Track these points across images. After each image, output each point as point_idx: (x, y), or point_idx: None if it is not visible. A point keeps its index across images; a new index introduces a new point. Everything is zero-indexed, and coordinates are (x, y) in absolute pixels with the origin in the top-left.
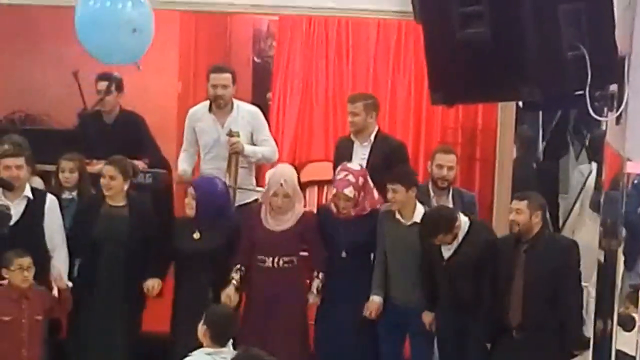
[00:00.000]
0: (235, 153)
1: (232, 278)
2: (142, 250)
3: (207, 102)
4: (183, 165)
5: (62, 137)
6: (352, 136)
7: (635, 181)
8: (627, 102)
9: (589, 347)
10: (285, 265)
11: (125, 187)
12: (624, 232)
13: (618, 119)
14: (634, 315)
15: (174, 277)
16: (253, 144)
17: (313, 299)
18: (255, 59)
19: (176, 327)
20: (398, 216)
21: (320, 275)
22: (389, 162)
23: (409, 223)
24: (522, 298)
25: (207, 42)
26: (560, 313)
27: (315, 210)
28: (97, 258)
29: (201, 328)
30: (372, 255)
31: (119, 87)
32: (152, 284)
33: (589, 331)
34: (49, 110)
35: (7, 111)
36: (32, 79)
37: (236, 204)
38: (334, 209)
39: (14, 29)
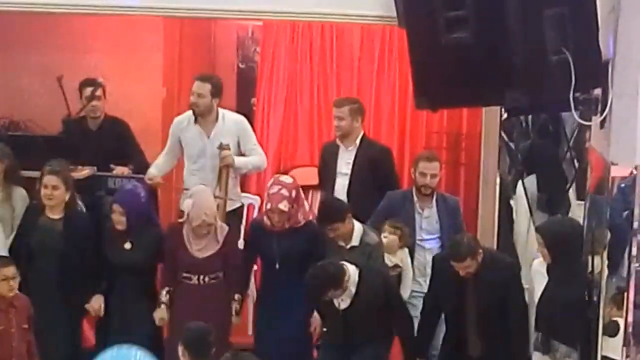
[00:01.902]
0: (226, 166)
1: (162, 302)
2: (76, 263)
3: (192, 112)
4: (152, 169)
5: (46, 143)
6: (337, 141)
7: (622, 185)
8: (611, 106)
9: None
10: (212, 281)
11: (66, 197)
12: (608, 235)
13: (602, 123)
14: (617, 319)
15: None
16: (241, 153)
17: (234, 320)
18: (240, 65)
19: (107, 336)
20: (337, 240)
21: (236, 296)
22: (374, 167)
23: (349, 246)
24: (477, 327)
25: (192, 48)
26: (507, 330)
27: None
28: (32, 270)
29: (180, 349)
30: (305, 265)
31: (103, 93)
32: (97, 305)
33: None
34: (34, 117)
35: None
36: (17, 86)
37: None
38: (268, 222)
39: None
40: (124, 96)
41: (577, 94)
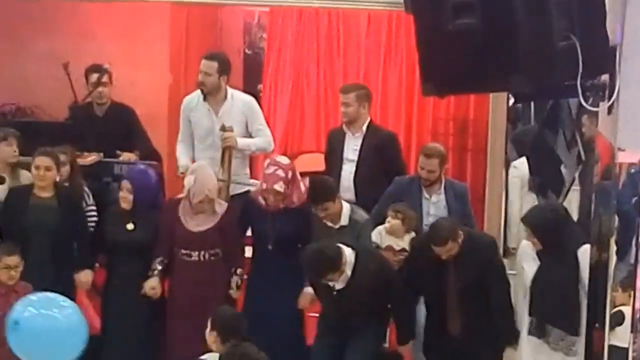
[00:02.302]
0: (228, 147)
1: (155, 269)
2: (71, 240)
3: (200, 91)
4: (183, 161)
5: (53, 129)
6: (344, 127)
7: (632, 170)
8: (618, 92)
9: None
10: (212, 258)
11: (57, 178)
12: (616, 222)
13: (610, 109)
14: (622, 308)
15: (106, 268)
16: (248, 133)
17: (234, 294)
18: (247, 51)
19: (107, 317)
20: (325, 220)
21: (239, 271)
22: (381, 153)
23: (337, 226)
24: (457, 307)
25: (198, 34)
26: (491, 310)
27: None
28: (26, 249)
29: (210, 335)
30: (298, 247)
31: (110, 79)
32: (84, 278)
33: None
34: (40, 103)
35: None
36: (23, 72)
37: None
38: (263, 202)
39: (3, 22)
40: (130, 82)
41: (584, 80)
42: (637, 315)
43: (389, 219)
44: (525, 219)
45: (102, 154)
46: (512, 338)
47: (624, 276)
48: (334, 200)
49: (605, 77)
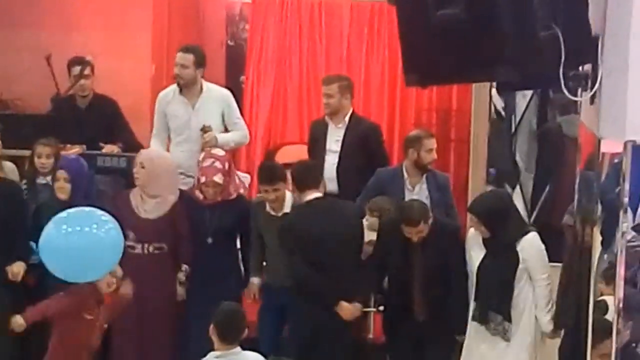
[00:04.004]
0: (210, 147)
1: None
2: (6, 233)
3: (176, 85)
4: None
5: (35, 122)
6: (326, 118)
7: (616, 160)
8: (601, 82)
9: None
10: (156, 251)
11: None
12: (599, 211)
13: (592, 98)
14: (605, 298)
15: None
16: (224, 126)
17: (179, 291)
18: (229, 42)
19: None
20: (269, 209)
21: (184, 267)
22: (363, 144)
23: (280, 214)
24: (422, 291)
25: (180, 25)
26: (448, 294)
27: None
28: None
29: (212, 328)
30: (237, 239)
31: (92, 71)
32: (16, 269)
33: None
34: (22, 96)
35: None
36: (5, 64)
37: None
38: (200, 196)
39: None
40: (112, 74)
41: (567, 70)
42: (620, 304)
43: (367, 216)
44: (471, 208)
45: (84, 146)
46: (464, 327)
47: (606, 267)
48: (285, 180)
49: (587, 67)
